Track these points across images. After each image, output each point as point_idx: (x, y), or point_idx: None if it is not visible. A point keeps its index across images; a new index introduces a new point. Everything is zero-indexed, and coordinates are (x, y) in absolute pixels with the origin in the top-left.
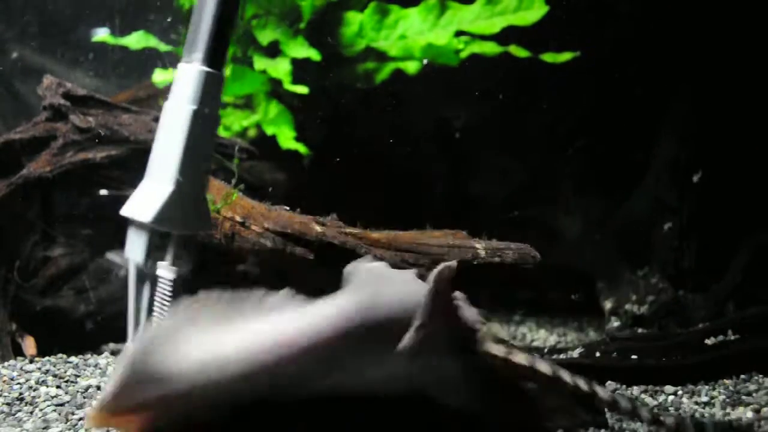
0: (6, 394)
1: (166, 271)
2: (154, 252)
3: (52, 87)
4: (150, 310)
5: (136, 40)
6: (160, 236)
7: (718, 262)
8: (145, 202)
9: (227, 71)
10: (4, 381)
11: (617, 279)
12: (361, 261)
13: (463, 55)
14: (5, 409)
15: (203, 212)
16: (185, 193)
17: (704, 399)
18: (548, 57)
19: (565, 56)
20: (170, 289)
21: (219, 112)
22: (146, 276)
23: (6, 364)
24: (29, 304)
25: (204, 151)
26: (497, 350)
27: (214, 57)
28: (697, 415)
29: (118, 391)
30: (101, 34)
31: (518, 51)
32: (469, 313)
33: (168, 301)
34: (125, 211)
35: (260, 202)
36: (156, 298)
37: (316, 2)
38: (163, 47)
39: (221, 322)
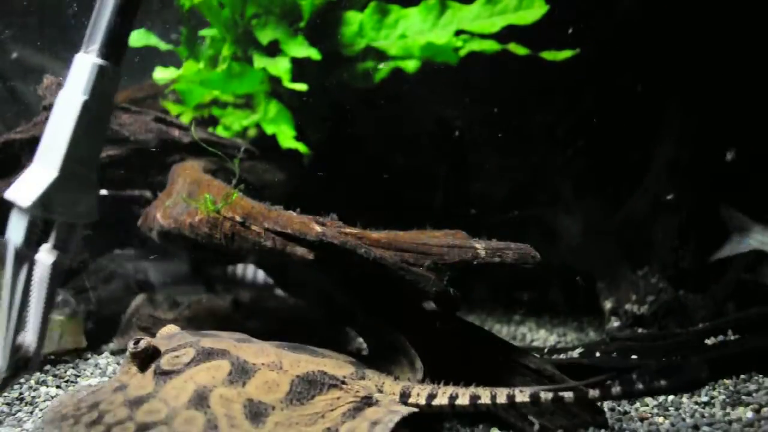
0: (6, 394)
1: (46, 254)
2: (33, 236)
3: (52, 87)
4: (26, 294)
5: (136, 38)
6: (44, 221)
7: (718, 262)
8: (28, 186)
9: (224, 67)
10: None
11: (617, 279)
12: None
13: (463, 53)
14: (5, 409)
15: (88, 202)
16: (70, 181)
17: (704, 399)
18: (548, 55)
19: (565, 54)
20: (49, 273)
21: (112, 105)
22: (24, 259)
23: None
24: None
25: (93, 142)
26: None
27: (111, 50)
28: (697, 415)
29: None
30: None
31: (517, 48)
32: None
33: (46, 284)
34: (9, 193)
35: (260, 202)
36: (33, 280)
37: (316, 2)
38: (163, 46)
39: None
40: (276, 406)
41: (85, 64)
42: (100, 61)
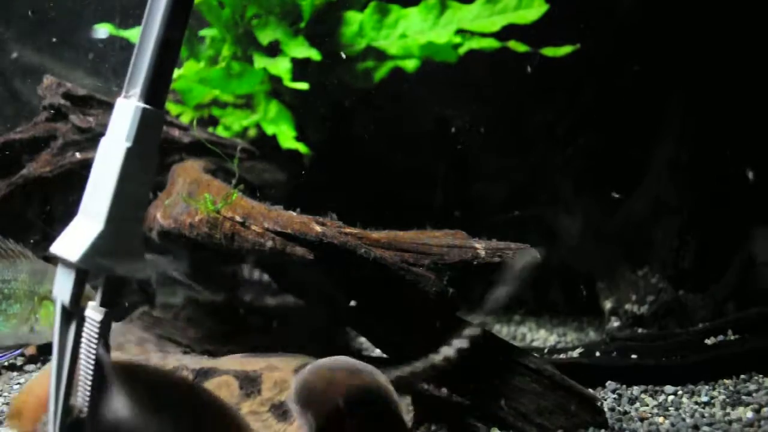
0: (6, 394)
1: (94, 312)
2: (81, 293)
3: (52, 87)
4: (75, 351)
5: (136, 34)
6: (91, 277)
7: (718, 262)
8: (73, 239)
9: (223, 66)
10: (3, 381)
11: (617, 279)
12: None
13: (462, 51)
14: (5, 409)
15: (136, 255)
16: (116, 233)
17: (704, 399)
18: (548, 51)
19: (565, 49)
20: (98, 330)
21: (157, 152)
22: (72, 317)
23: (6, 364)
24: None
25: (139, 190)
26: None
27: (155, 94)
28: (697, 415)
29: None
30: (101, 34)
31: (517, 46)
32: None
33: (95, 342)
34: (54, 248)
35: (260, 202)
36: (83, 338)
37: (316, 2)
38: None
39: None
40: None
41: (127, 109)
42: (142, 105)
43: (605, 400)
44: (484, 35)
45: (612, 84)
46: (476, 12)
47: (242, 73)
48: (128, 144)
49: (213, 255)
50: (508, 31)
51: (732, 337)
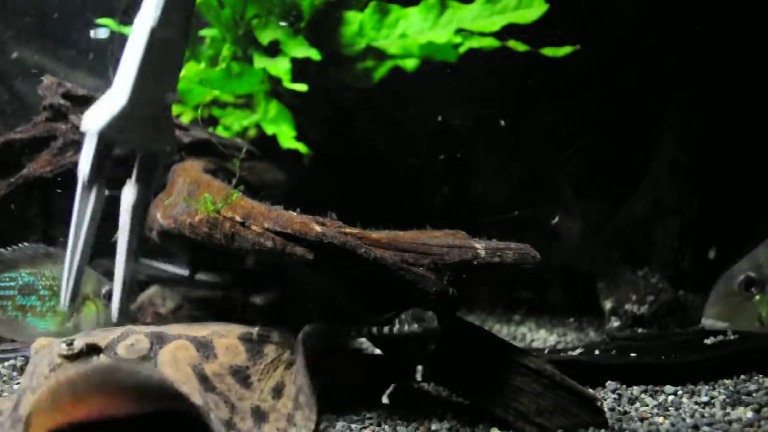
0: (6, 394)
1: (129, 189)
2: (102, 164)
3: (52, 87)
4: (92, 223)
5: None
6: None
7: (718, 262)
8: (98, 112)
9: (223, 66)
10: (4, 381)
11: (617, 279)
12: None
13: (462, 50)
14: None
15: (162, 131)
16: (140, 109)
17: (704, 399)
18: (548, 51)
19: (565, 50)
20: (132, 210)
21: (186, 35)
22: (91, 186)
23: (6, 364)
24: None
25: (165, 70)
26: None
27: None
28: (697, 415)
29: None
30: (101, 35)
31: (517, 45)
32: None
33: (129, 224)
34: (82, 122)
35: (260, 202)
36: (120, 216)
37: (316, 2)
38: None
39: None
40: (248, 366)
41: None
42: None
43: (605, 400)
44: (483, 35)
45: (613, 84)
46: (476, 12)
47: (242, 74)
48: (152, 24)
49: (213, 255)
50: (509, 32)
51: (732, 337)
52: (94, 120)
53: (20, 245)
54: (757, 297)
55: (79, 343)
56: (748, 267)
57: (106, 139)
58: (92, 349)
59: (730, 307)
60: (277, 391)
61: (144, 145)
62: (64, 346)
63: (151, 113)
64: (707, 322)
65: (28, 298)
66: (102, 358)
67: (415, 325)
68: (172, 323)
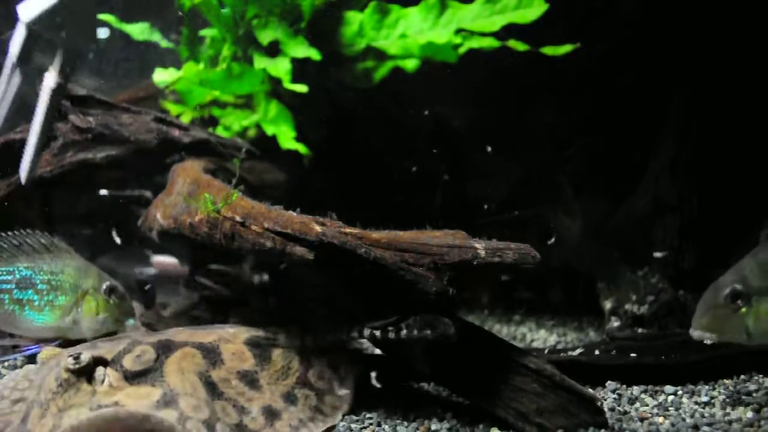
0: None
1: (51, 77)
2: (30, 52)
3: None
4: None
5: (139, 30)
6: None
7: (718, 262)
8: (34, 5)
9: (223, 67)
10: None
11: (617, 279)
12: None
13: (462, 50)
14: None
15: (88, 33)
16: (71, 9)
17: (704, 399)
18: (548, 50)
19: (565, 48)
20: (50, 95)
21: None
22: (16, 70)
23: (6, 364)
24: None
25: None
26: None
27: None
28: (697, 415)
29: None
30: (101, 35)
31: (517, 45)
32: None
33: (46, 106)
34: (19, 8)
35: (260, 202)
36: (39, 100)
37: (316, 2)
38: (164, 44)
39: None
40: (257, 370)
41: None
42: None
43: (605, 400)
44: (483, 35)
45: (613, 83)
46: (476, 11)
47: (242, 74)
48: None
49: (213, 255)
50: (509, 32)
51: None
52: (28, 11)
53: (21, 231)
54: (743, 309)
55: (86, 356)
56: (733, 279)
57: (34, 31)
58: (98, 362)
59: (718, 319)
60: (291, 401)
61: (69, 41)
62: (70, 360)
63: (80, 15)
64: (695, 333)
65: (26, 291)
66: (109, 371)
67: (428, 331)
68: (173, 325)
